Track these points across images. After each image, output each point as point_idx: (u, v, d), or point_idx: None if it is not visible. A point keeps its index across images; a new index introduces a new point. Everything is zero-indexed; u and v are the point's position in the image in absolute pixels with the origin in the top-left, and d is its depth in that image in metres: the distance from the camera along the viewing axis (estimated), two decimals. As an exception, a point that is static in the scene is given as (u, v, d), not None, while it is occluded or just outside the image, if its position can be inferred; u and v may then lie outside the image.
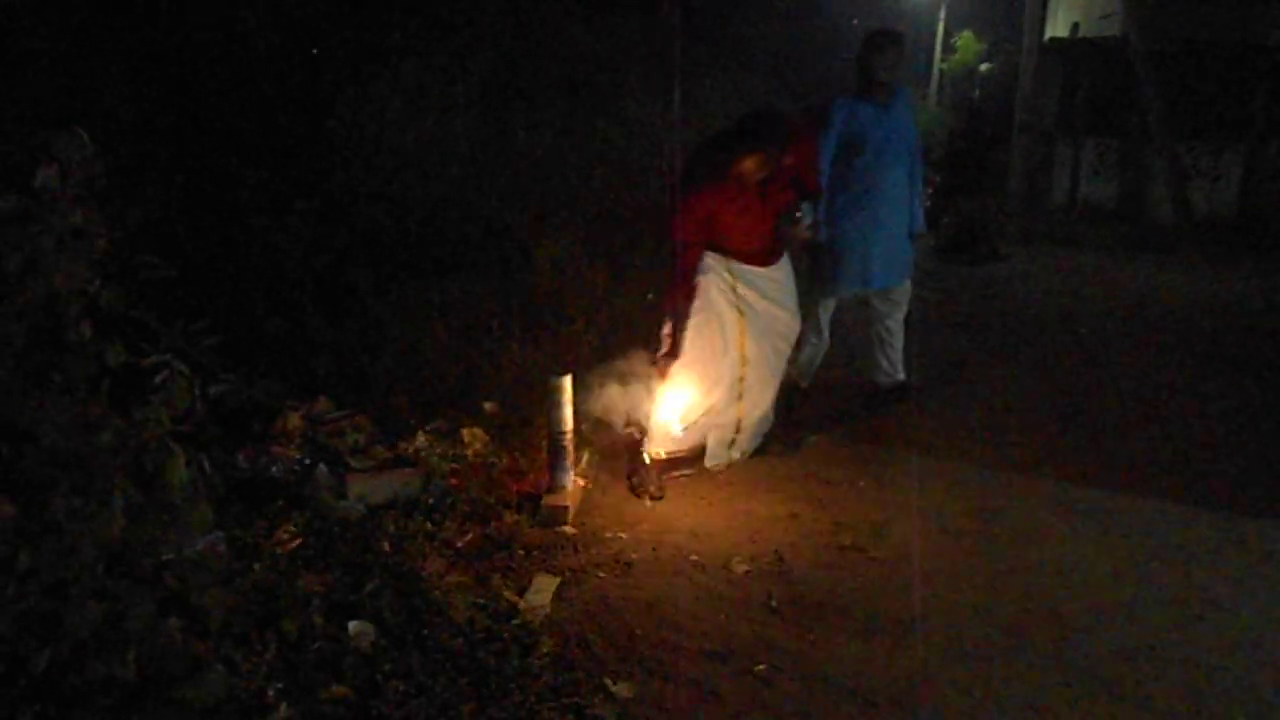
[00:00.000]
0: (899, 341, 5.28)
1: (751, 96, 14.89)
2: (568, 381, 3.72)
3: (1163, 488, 4.20)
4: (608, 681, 2.67)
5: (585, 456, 4.27)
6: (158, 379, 1.98)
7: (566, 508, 3.66)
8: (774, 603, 3.18)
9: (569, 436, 3.73)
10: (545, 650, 2.77)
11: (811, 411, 5.14)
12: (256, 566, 3.04)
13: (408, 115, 7.52)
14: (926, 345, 6.26)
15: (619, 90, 10.23)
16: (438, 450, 4.14)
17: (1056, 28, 21.05)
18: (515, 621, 2.91)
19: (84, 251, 2.42)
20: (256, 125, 6.38)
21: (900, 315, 5.23)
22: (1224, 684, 2.78)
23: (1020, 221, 12.60)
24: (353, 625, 2.79)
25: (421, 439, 4.24)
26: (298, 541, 3.26)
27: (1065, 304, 8.24)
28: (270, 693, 2.46)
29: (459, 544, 3.41)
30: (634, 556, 3.48)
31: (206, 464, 2.36)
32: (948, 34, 23.42)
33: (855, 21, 21.52)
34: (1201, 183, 13.25)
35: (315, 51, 6.28)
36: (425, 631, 2.79)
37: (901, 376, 5.32)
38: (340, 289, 5.75)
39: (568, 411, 3.71)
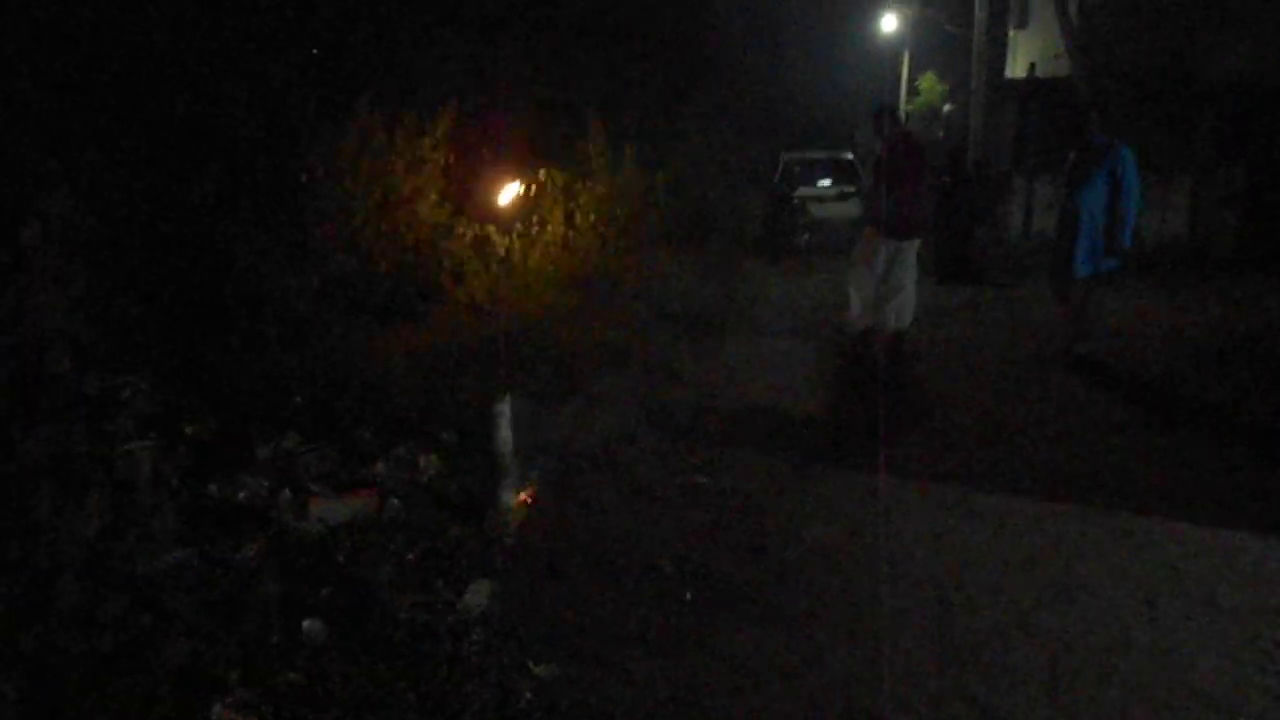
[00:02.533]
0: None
1: (721, 146, 15.44)
2: (506, 407, 4.10)
3: (1066, 493, 4.58)
4: (530, 664, 3.02)
5: (533, 475, 4.64)
6: (124, 396, 2.36)
7: (506, 522, 4.03)
8: (689, 596, 3.54)
9: (507, 457, 4.11)
10: (475, 639, 3.13)
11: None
12: (223, 578, 3.39)
13: (375, 168, 7.98)
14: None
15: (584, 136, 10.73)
16: (396, 475, 4.52)
17: (1015, 68, 21.82)
18: (451, 618, 3.27)
19: (65, 296, 2.81)
20: (235, 178, 6.80)
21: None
22: (1082, 655, 3.14)
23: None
24: (306, 623, 3.15)
25: (381, 466, 4.62)
26: (261, 556, 3.61)
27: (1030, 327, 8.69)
28: (231, 676, 2.81)
29: (408, 556, 3.77)
30: (568, 562, 3.85)
31: (173, 480, 2.73)
32: (911, 76, 24.22)
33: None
34: (1151, 213, 13.77)
35: (288, 107, 6.72)
36: (371, 627, 3.15)
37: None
38: (311, 331, 6.14)
39: (506, 433, 4.09)
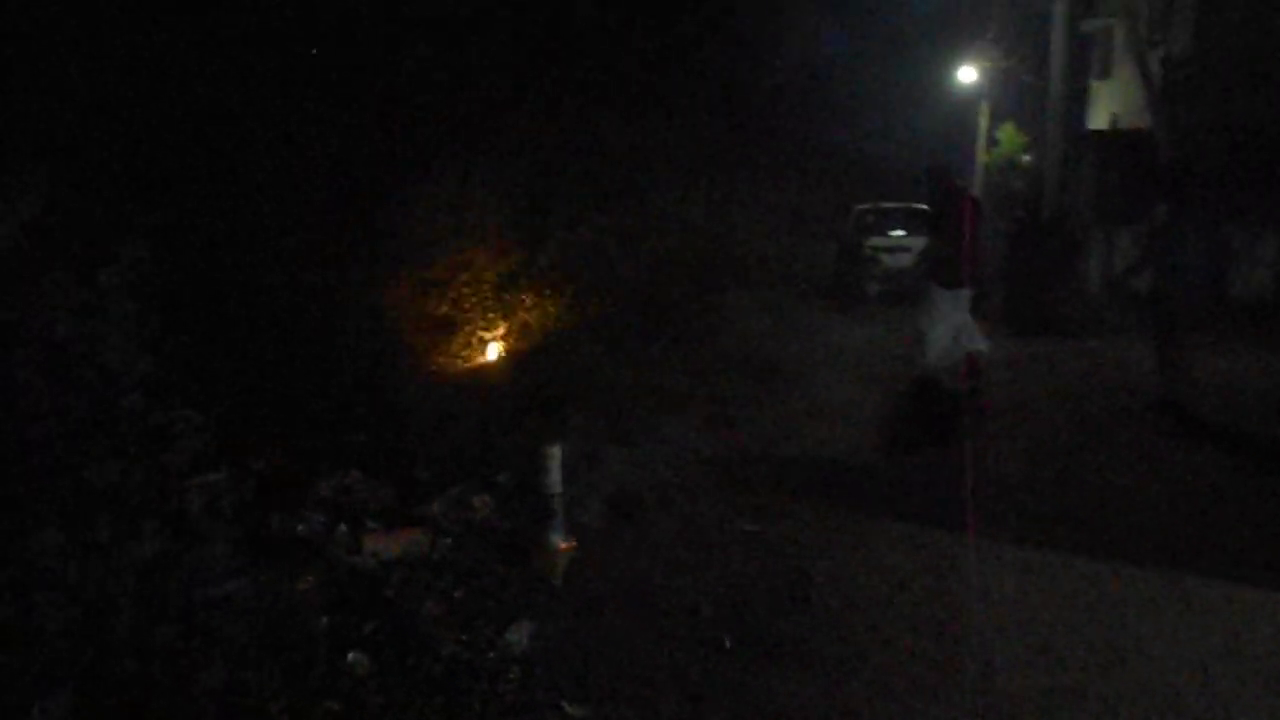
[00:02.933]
0: None
1: (787, 197, 15.52)
2: (557, 450, 4.19)
3: (1128, 553, 4.45)
4: (564, 704, 3.07)
5: (584, 520, 4.71)
6: (177, 430, 2.51)
7: (554, 563, 4.09)
8: (728, 643, 3.54)
9: (557, 499, 4.18)
10: (512, 678, 3.19)
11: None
12: (274, 608, 3.52)
13: (452, 221, 8.24)
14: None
15: (652, 189, 10.90)
16: (449, 514, 4.63)
17: (1097, 119, 21.49)
18: (491, 655, 3.33)
19: (138, 337, 3.00)
20: (312, 234, 7.12)
21: None
22: None
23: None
24: (351, 655, 3.25)
25: (436, 505, 4.74)
26: (313, 589, 3.73)
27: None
28: (273, 707, 2.92)
29: (455, 593, 3.86)
30: (610, 604, 3.89)
31: (228, 511, 2.87)
32: (990, 127, 23.98)
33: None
34: (1239, 266, 13.36)
35: (356, 170, 7.03)
36: (412, 661, 3.23)
37: None
38: (376, 380, 6.35)
39: (556, 476, 4.17)
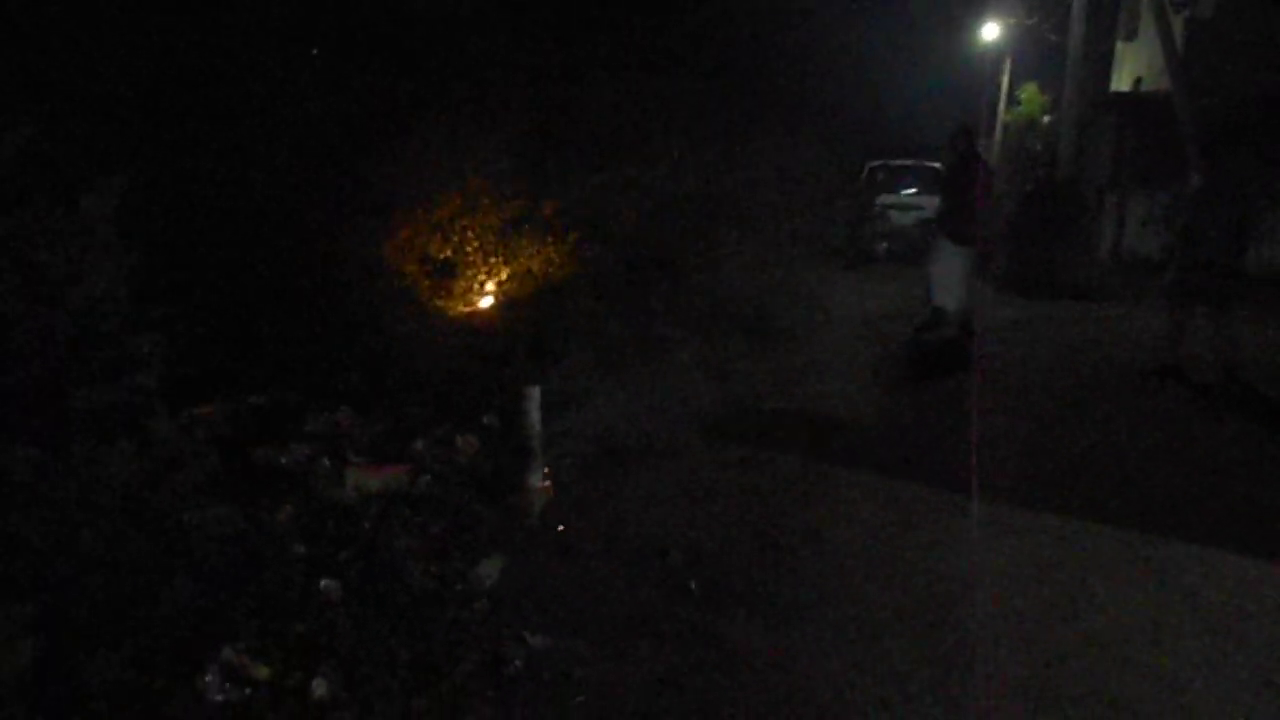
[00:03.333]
0: None
1: (794, 155, 15.41)
2: (536, 391, 4.25)
3: (1100, 512, 4.51)
4: (526, 635, 3.16)
5: (565, 462, 4.79)
6: (145, 351, 2.58)
7: (530, 503, 4.18)
8: (693, 586, 3.63)
9: (536, 440, 4.26)
10: (478, 609, 3.29)
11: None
12: (254, 535, 3.62)
13: (446, 169, 8.22)
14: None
15: (657, 141, 10.82)
16: (434, 453, 4.72)
17: (1121, 82, 21.13)
18: (460, 587, 3.43)
19: (118, 265, 3.06)
20: (310, 173, 7.13)
21: None
22: (1074, 669, 3.13)
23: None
24: (324, 582, 3.35)
25: (421, 443, 4.82)
26: (292, 518, 3.84)
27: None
28: (248, 625, 3.02)
29: (431, 529, 3.95)
30: (583, 544, 3.98)
31: (199, 433, 2.96)
32: (1012, 86, 23.62)
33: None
34: (1260, 237, 13.20)
35: (358, 103, 7.02)
36: (382, 589, 3.33)
37: None
38: (374, 320, 6.40)
39: (535, 417, 4.24)
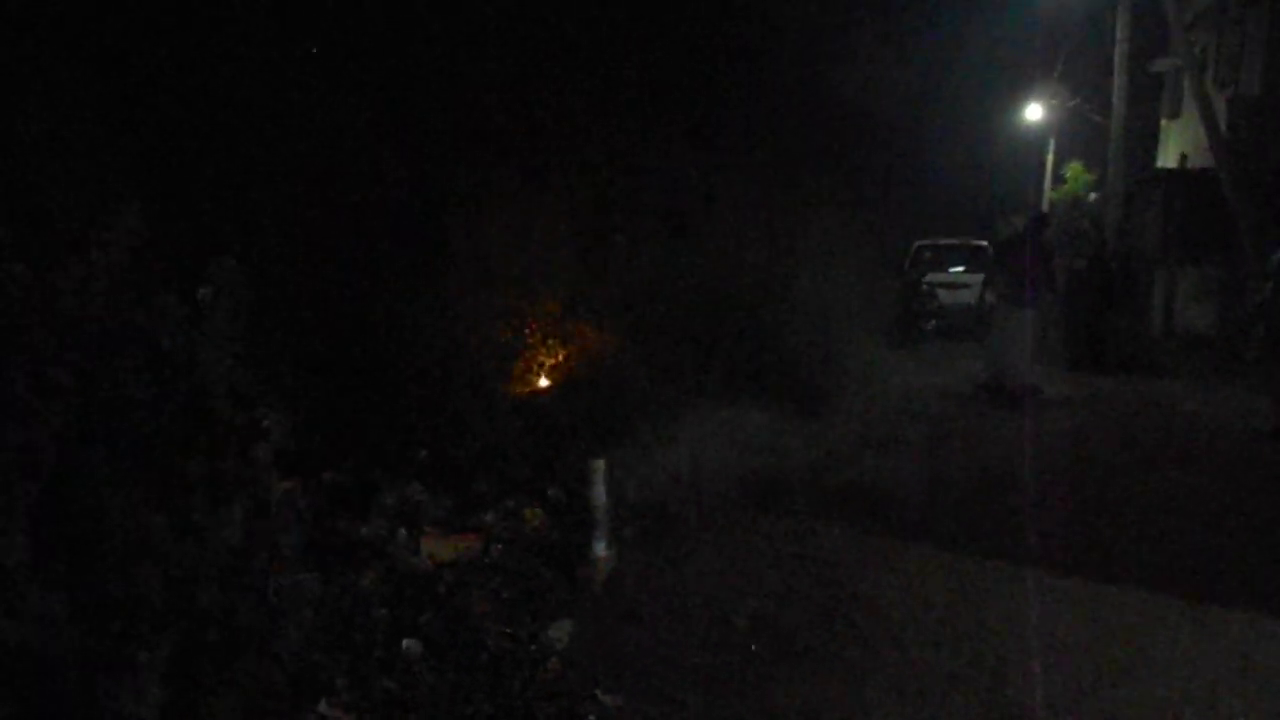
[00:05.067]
0: None
1: (854, 231, 15.75)
2: (601, 464, 4.49)
3: (1155, 581, 4.58)
4: (598, 693, 3.35)
5: (627, 531, 5.00)
6: (264, 425, 2.87)
7: (596, 571, 4.38)
8: (754, 648, 3.79)
9: (601, 511, 4.48)
10: (551, 668, 3.48)
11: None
12: (340, 600, 3.87)
13: (513, 248, 8.64)
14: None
15: (712, 222, 11.20)
16: (502, 524, 4.96)
17: (1167, 158, 21.28)
18: (533, 648, 3.63)
19: (230, 351, 3.40)
20: (386, 254, 7.57)
21: None
22: None
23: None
24: (406, 642, 3.57)
25: (491, 515, 5.08)
26: (374, 585, 4.08)
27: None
28: (339, 681, 3.25)
29: (503, 594, 4.17)
30: (647, 610, 4.16)
31: (300, 504, 3.24)
32: (1057, 164, 23.91)
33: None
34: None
35: (429, 195, 7.47)
36: (461, 649, 3.54)
37: None
38: (439, 398, 6.73)
39: (601, 489, 4.47)
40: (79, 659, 2.49)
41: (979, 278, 15.20)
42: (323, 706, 3.07)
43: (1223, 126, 14.66)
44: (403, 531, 4.61)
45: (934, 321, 14.58)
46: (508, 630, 3.75)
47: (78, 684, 2.49)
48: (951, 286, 15.37)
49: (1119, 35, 14.86)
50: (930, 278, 15.23)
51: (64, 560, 2.56)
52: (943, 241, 16.58)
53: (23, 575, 2.38)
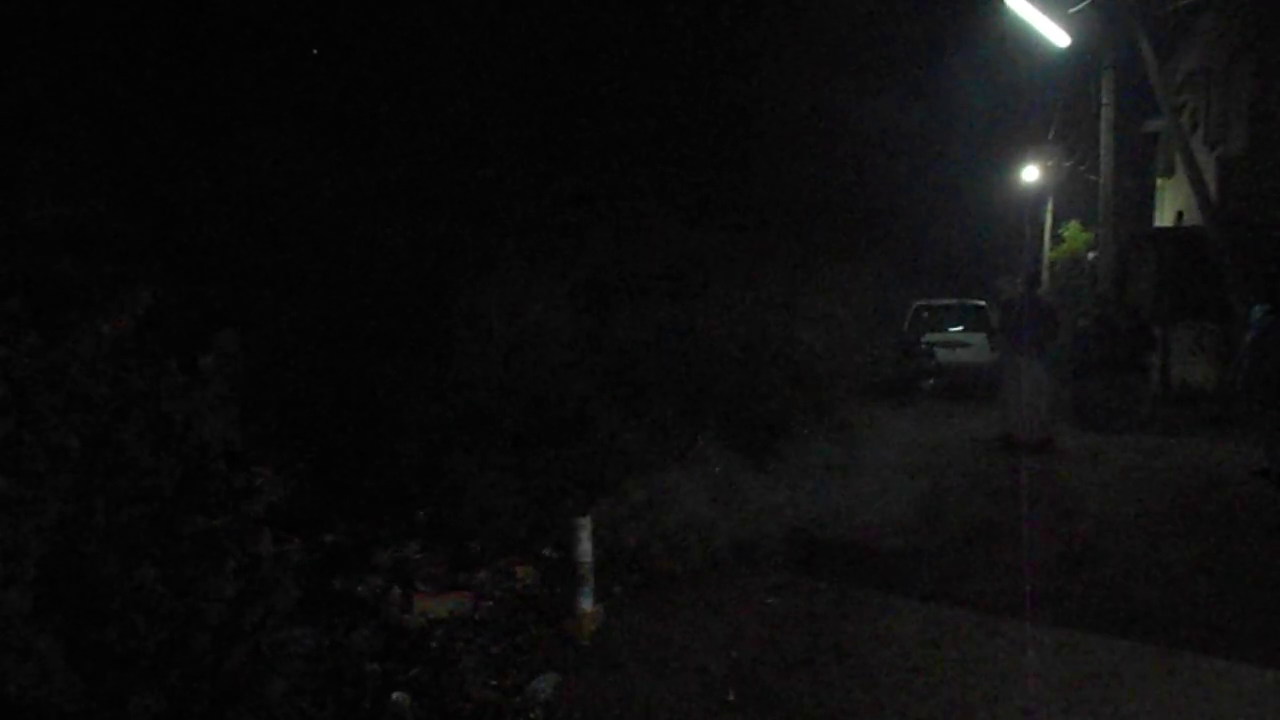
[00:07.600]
0: None
1: (853, 291, 16.00)
2: (587, 521, 4.64)
3: (1137, 630, 4.67)
4: (577, 742, 3.47)
5: (615, 588, 5.13)
6: (257, 484, 3.05)
7: (582, 626, 4.51)
8: (731, 696, 3.90)
9: (586, 568, 4.62)
10: (533, 718, 3.60)
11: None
12: (331, 653, 4.01)
13: (513, 314, 8.88)
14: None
15: (709, 287, 11.45)
16: (494, 582, 5.10)
17: (1164, 217, 21.57)
18: (517, 699, 3.76)
19: (229, 414, 3.60)
20: (387, 322, 7.82)
21: None
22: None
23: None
24: (395, 695, 3.71)
25: (483, 574, 5.22)
26: (366, 639, 4.22)
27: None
28: (327, 731, 3.38)
29: (491, 649, 4.30)
30: (631, 664, 4.28)
31: (297, 558, 3.41)
32: (1055, 223, 24.20)
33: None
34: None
35: (431, 264, 7.73)
36: (448, 701, 3.67)
37: None
38: (436, 461, 6.90)
39: (586, 546, 4.61)
40: (75, 705, 2.64)
41: (977, 337, 15.39)
42: (310, 755, 3.20)
43: (1213, 186, 14.93)
44: (396, 589, 4.75)
45: (932, 380, 14.73)
46: (493, 683, 3.87)
47: (74, 728, 2.64)
48: (950, 345, 15.55)
49: (1104, 99, 15.23)
50: (929, 337, 15.42)
51: (62, 610, 2.73)
52: (940, 302, 16.80)
53: (24, 623, 2.54)
